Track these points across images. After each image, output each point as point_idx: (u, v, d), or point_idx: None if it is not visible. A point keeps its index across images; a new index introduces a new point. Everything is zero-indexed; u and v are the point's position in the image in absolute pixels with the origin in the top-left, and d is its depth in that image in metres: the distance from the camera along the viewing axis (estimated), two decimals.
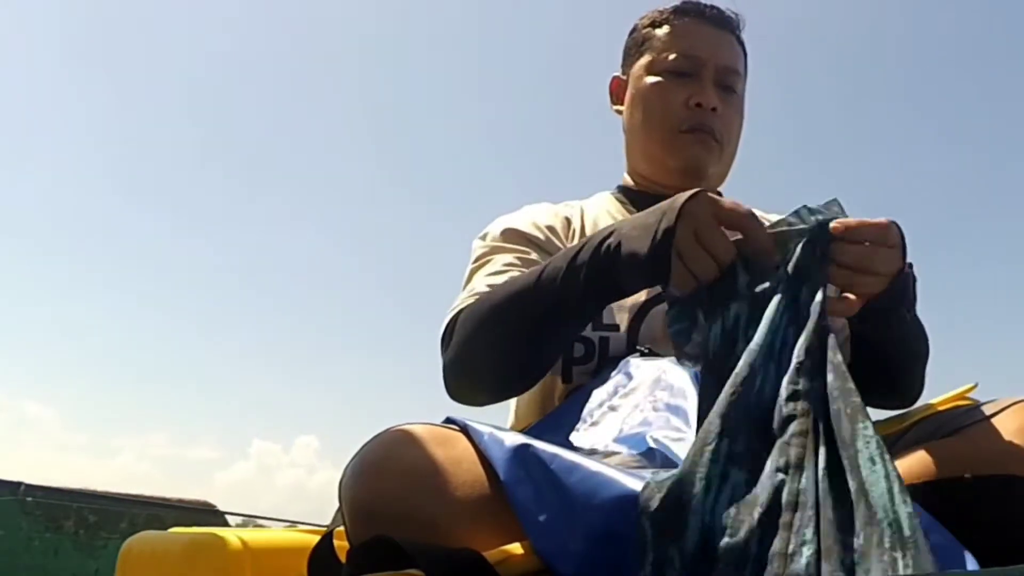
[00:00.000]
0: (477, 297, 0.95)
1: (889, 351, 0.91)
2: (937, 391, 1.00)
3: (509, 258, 1.02)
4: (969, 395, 0.98)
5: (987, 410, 0.83)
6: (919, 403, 1.01)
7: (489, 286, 0.97)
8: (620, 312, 1.01)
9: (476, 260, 1.06)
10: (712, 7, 1.14)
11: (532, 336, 0.89)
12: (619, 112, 1.19)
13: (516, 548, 0.62)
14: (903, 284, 0.78)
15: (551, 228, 1.08)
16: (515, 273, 0.97)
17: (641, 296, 1.01)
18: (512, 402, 1.10)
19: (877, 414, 0.99)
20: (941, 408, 0.93)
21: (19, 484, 5.62)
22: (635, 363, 0.92)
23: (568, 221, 1.10)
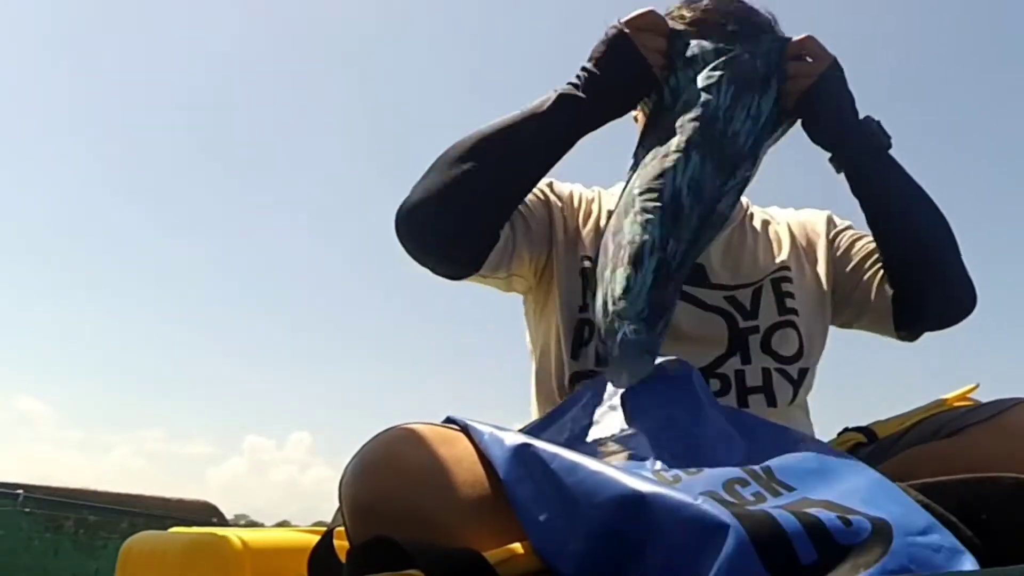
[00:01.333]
0: None
1: (892, 206, 1.02)
2: (937, 391, 1.00)
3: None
4: (970, 396, 0.98)
5: (988, 411, 0.83)
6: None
7: None
8: None
9: None
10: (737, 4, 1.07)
11: (504, 162, 0.98)
12: (636, 120, 1.18)
13: (516, 548, 0.62)
14: (838, 77, 1.01)
15: (565, 197, 1.11)
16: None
17: None
18: (532, 388, 1.10)
19: (881, 412, 0.99)
20: (942, 409, 0.93)
21: (17, 494, 5.54)
22: None
23: (582, 198, 1.13)
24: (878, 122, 1.03)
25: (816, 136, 1.04)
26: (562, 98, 0.99)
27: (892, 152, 1.04)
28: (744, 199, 1.13)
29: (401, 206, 0.98)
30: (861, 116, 1.03)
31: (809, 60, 1.00)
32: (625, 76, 1.00)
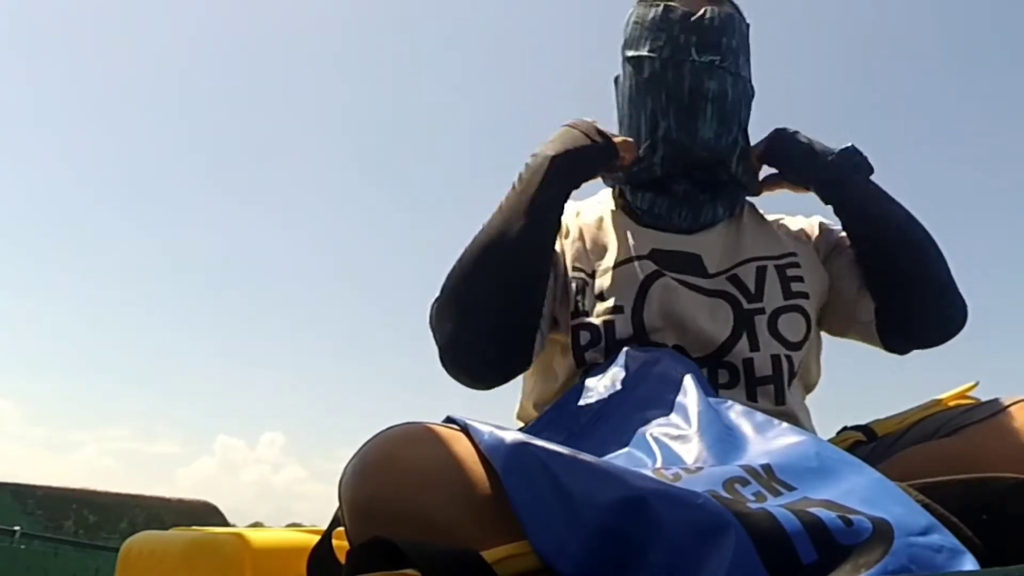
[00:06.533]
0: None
1: (877, 224, 1.04)
2: (937, 389, 1.00)
3: None
4: (970, 393, 0.98)
5: (988, 409, 0.83)
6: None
7: None
8: (622, 293, 1.01)
9: None
10: None
11: (510, 275, 0.97)
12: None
13: (516, 548, 0.62)
14: (779, 141, 1.10)
15: None
16: None
17: (640, 274, 1.02)
18: (530, 394, 1.10)
19: (881, 410, 0.99)
20: (942, 407, 0.93)
21: (14, 531, 5.51)
22: (632, 355, 0.92)
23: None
24: (858, 151, 1.06)
25: (793, 178, 1.11)
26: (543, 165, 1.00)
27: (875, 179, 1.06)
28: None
29: (440, 345, 0.99)
30: (843, 145, 1.06)
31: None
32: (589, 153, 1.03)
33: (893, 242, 1.03)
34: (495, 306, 0.97)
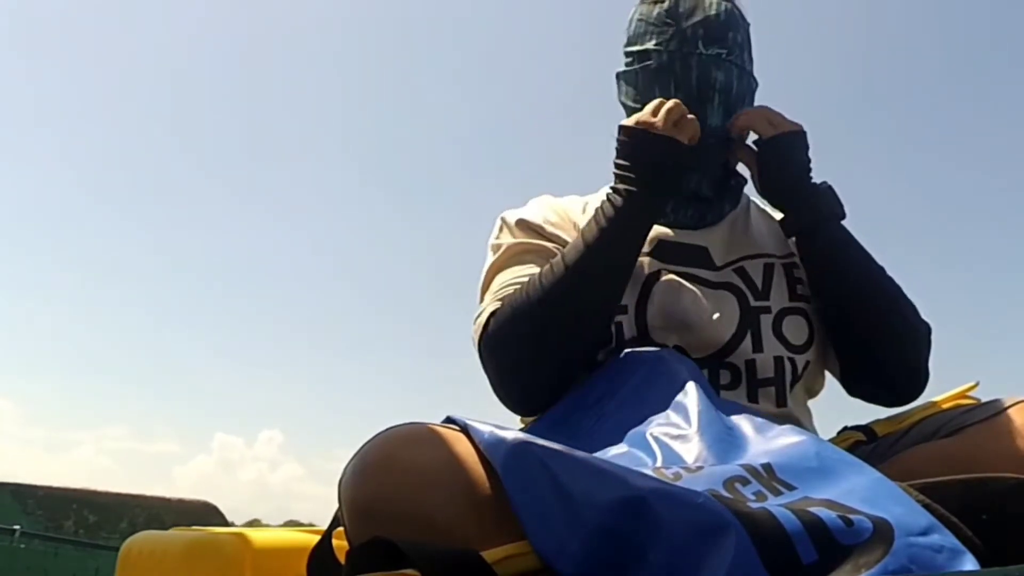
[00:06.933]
0: (501, 302, 0.97)
1: (844, 279, 1.00)
2: (937, 390, 1.00)
3: (528, 256, 1.03)
4: (970, 394, 0.98)
5: (988, 410, 0.83)
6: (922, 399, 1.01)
7: (513, 285, 0.98)
8: (627, 292, 0.99)
9: (494, 258, 1.06)
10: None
11: (576, 318, 0.95)
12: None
13: (516, 548, 0.62)
14: (792, 141, 1.03)
15: (557, 224, 1.07)
16: (535, 268, 0.99)
17: (643, 271, 1.01)
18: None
19: (881, 410, 0.99)
20: (942, 407, 0.93)
21: (14, 530, 5.51)
22: (633, 355, 0.92)
23: (570, 218, 1.10)
24: (833, 190, 1.03)
25: (764, 191, 1.06)
26: (624, 204, 0.96)
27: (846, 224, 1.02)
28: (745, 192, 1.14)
29: (491, 375, 0.97)
30: (818, 182, 1.02)
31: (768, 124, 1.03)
32: (658, 154, 0.98)
33: (864, 300, 1.00)
34: (571, 357, 0.96)
